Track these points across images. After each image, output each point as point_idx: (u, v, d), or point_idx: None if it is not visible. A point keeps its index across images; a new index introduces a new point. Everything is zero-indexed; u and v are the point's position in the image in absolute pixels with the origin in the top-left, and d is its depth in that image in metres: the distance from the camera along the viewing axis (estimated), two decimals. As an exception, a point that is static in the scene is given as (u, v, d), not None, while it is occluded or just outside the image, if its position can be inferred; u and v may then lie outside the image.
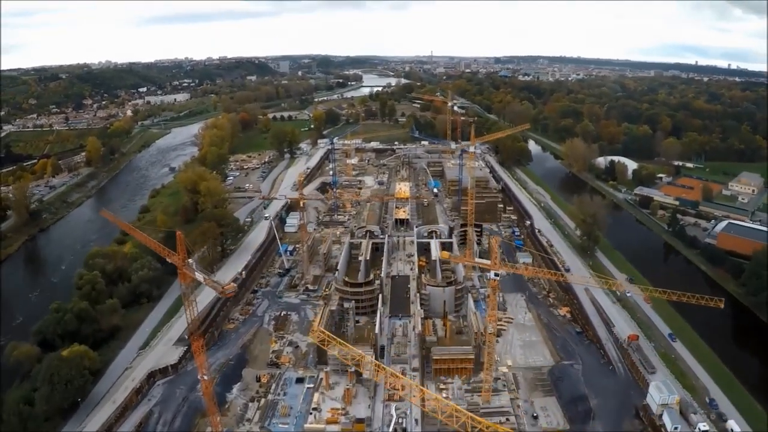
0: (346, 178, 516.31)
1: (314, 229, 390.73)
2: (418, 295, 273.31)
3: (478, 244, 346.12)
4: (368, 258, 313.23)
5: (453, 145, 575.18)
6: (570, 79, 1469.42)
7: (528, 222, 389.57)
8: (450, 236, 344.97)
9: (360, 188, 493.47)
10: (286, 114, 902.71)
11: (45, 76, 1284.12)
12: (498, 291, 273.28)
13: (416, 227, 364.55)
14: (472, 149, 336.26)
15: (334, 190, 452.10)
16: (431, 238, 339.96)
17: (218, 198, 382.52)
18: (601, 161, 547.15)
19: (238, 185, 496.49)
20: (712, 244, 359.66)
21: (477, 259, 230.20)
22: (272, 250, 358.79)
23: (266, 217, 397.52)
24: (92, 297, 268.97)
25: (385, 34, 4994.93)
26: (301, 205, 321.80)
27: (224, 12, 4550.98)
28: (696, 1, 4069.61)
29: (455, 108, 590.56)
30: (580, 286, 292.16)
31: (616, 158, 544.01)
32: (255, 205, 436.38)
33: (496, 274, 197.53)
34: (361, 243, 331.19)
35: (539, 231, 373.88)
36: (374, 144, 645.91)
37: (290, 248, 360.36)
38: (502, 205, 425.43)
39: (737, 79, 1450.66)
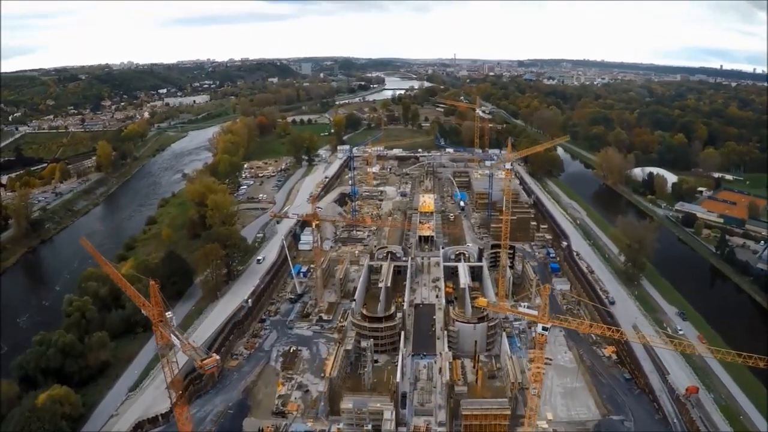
0: (367, 188, 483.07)
1: (330, 248, 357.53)
2: (445, 332, 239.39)
3: (511, 267, 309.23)
4: (389, 285, 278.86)
5: (478, 152, 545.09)
6: (596, 83, 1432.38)
7: (564, 243, 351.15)
8: (480, 259, 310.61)
9: (381, 200, 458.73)
10: (306, 117, 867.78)
11: (64, 76, 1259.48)
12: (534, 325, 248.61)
13: (442, 248, 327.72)
14: (508, 165, 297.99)
15: (354, 203, 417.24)
16: (459, 260, 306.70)
17: (226, 213, 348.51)
18: (638, 173, 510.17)
19: (251, 195, 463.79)
20: (765, 271, 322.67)
21: (522, 309, 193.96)
22: (284, 271, 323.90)
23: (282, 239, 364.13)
24: (81, 326, 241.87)
25: (407, 37, 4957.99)
26: (314, 225, 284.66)
27: (247, 14, 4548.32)
28: (719, 3, 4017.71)
29: (482, 114, 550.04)
30: (628, 319, 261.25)
31: (654, 170, 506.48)
32: (268, 218, 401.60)
33: (545, 328, 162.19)
34: (381, 266, 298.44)
35: (578, 254, 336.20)
36: (397, 151, 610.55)
37: (304, 269, 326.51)
38: (535, 223, 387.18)
39: (766, 84, 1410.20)
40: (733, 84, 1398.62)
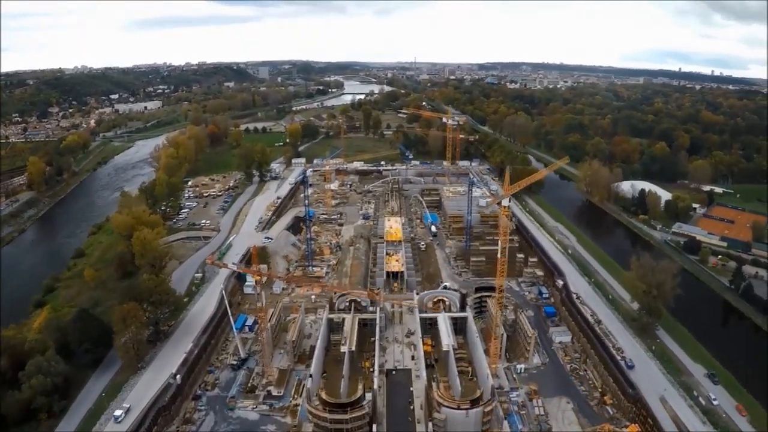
0: (325, 210, 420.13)
1: (283, 289, 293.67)
2: (429, 422, 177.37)
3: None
4: (353, 348, 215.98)
5: (445, 166, 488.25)
6: (559, 86, 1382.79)
7: (560, 281, 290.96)
8: (463, 307, 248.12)
9: (341, 224, 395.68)
10: (260, 125, 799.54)
11: (11, 82, 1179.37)
12: (536, 397, 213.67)
13: (416, 291, 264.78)
14: (506, 202, 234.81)
15: (309, 230, 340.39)
16: (438, 308, 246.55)
17: (154, 255, 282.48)
18: (627, 189, 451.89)
19: (192, 221, 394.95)
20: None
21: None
22: (226, 325, 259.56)
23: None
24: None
25: (367, 40, 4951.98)
26: (256, 281, 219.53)
27: (206, 16, 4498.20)
28: (677, 6, 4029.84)
29: (451, 123, 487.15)
30: (653, 388, 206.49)
31: (642, 184, 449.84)
32: (210, 249, 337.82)
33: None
34: (343, 320, 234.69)
35: (578, 296, 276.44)
36: (357, 164, 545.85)
37: (249, 322, 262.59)
38: (522, 255, 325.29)
39: (730, 87, 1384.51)
40: (697, 87, 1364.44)
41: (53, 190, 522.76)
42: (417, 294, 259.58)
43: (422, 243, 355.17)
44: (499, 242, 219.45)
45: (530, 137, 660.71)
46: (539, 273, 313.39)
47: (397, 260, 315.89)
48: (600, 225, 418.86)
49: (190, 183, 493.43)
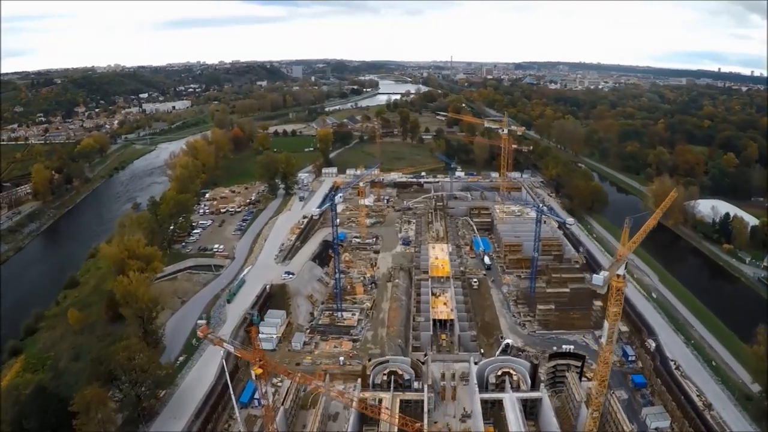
0: (358, 232, 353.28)
1: (304, 344, 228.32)
2: None
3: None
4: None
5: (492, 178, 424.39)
6: (600, 87, 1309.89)
7: (651, 342, 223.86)
8: (533, 383, 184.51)
9: (377, 251, 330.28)
10: (290, 128, 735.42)
11: (38, 81, 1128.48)
12: None
13: (474, 361, 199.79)
14: (621, 270, 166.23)
15: (337, 262, 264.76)
16: (501, 385, 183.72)
17: (141, 306, 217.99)
18: (705, 210, 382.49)
19: (204, 244, 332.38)
20: None
21: None
22: (228, 399, 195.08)
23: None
24: None
25: (400, 40, 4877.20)
26: (256, 375, 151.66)
27: (240, 17, 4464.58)
28: (712, 6, 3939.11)
29: (506, 132, 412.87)
30: None
31: (723, 206, 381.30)
32: (218, 286, 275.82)
33: None
34: (380, 400, 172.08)
35: (676, 365, 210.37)
36: (395, 176, 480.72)
37: (265, 387, 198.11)
38: (599, 303, 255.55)
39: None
40: (744, 88, 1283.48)
41: (61, 200, 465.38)
42: (475, 362, 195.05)
43: (474, 279, 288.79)
44: (604, 333, 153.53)
45: (582, 144, 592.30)
46: (623, 328, 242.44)
47: (445, 303, 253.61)
48: (678, 256, 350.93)
49: (207, 195, 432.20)
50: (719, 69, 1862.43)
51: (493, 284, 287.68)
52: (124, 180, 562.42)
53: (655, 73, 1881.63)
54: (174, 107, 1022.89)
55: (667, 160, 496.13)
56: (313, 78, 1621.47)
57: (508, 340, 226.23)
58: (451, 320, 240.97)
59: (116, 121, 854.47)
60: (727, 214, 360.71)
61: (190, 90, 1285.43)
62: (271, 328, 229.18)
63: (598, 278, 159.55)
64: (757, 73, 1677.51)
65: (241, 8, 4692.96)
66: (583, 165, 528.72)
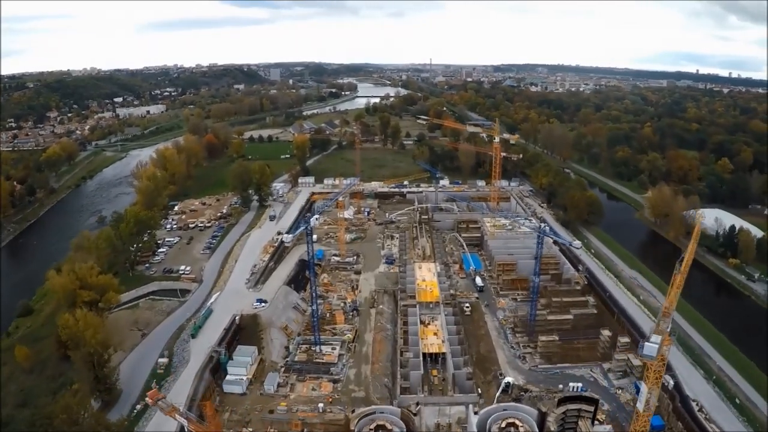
0: (337, 251, 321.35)
1: (278, 386, 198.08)
2: None
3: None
4: None
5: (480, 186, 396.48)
6: (582, 89, 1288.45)
7: (669, 379, 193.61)
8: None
9: (358, 271, 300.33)
10: (267, 133, 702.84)
11: (11, 85, 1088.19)
12: None
13: (473, 409, 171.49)
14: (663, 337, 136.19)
15: (314, 286, 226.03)
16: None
17: (89, 351, 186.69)
18: (707, 221, 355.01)
19: (169, 265, 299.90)
20: None
21: None
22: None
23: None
24: None
25: (379, 42, 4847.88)
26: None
27: (222, 18, 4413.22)
28: (693, 7, 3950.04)
29: (496, 140, 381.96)
30: None
31: (725, 217, 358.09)
32: (183, 315, 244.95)
33: None
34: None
35: (698, 405, 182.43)
36: (376, 185, 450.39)
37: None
38: (609, 333, 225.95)
39: (761, 90, 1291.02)
40: (725, 90, 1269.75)
41: (23, 213, 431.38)
42: (474, 411, 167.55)
43: (466, 304, 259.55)
44: (642, 398, 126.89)
45: (570, 150, 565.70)
46: (635, 362, 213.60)
47: (435, 334, 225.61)
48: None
49: (177, 208, 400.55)
50: (697, 71, 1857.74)
51: (487, 309, 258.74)
52: (91, 190, 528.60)
53: (634, 75, 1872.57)
54: (148, 112, 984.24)
55: (660, 166, 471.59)
56: (291, 81, 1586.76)
57: (508, 379, 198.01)
58: (443, 354, 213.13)
59: (87, 127, 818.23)
60: (733, 226, 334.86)
61: (166, 94, 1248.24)
62: (240, 369, 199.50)
63: (651, 347, 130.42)
64: (734, 75, 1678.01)
65: (221, 10, 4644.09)
66: (571, 171, 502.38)
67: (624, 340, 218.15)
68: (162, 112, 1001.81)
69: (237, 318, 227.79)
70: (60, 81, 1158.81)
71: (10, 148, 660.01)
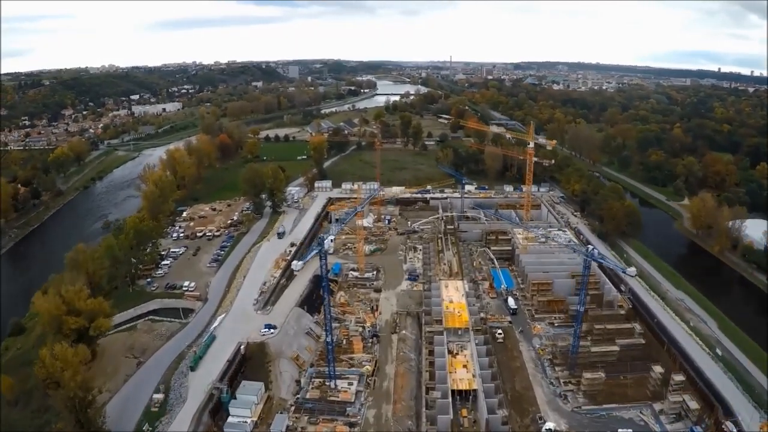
0: (355, 265, 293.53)
1: (287, 429, 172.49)
2: None
3: None
4: None
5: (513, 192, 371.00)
6: (604, 87, 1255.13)
7: (729, 425, 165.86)
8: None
9: (378, 289, 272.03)
10: (283, 132, 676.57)
11: (26, 82, 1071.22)
12: None
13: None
14: None
15: (328, 307, 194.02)
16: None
17: (70, 394, 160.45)
18: (755, 235, 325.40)
19: (172, 280, 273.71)
20: None
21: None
22: None
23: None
24: None
25: (396, 40, 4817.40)
26: None
27: (237, 17, 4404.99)
28: (709, 6, 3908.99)
29: (530, 145, 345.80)
30: None
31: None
32: (184, 340, 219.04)
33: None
34: None
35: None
36: (397, 190, 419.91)
37: None
38: (661, 370, 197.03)
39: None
40: (750, 89, 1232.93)
41: (26, 217, 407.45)
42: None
43: (498, 330, 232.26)
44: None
45: (599, 152, 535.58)
46: (692, 404, 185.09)
47: (465, 366, 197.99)
48: (730, 292, 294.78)
49: (185, 214, 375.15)
50: (719, 69, 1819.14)
51: (521, 336, 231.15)
52: (100, 192, 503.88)
53: (656, 73, 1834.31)
54: (164, 109, 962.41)
55: (697, 171, 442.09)
56: (309, 78, 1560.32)
57: (550, 425, 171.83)
58: (474, 390, 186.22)
59: (101, 125, 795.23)
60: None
61: (183, 91, 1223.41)
62: (244, 409, 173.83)
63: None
64: (756, 73, 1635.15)
65: (238, 9, 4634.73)
66: (600, 175, 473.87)
67: (678, 378, 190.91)
68: (178, 110, 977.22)
69: (242, 347, 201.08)
70: (76, 78, 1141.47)
71: (21, 147, 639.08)
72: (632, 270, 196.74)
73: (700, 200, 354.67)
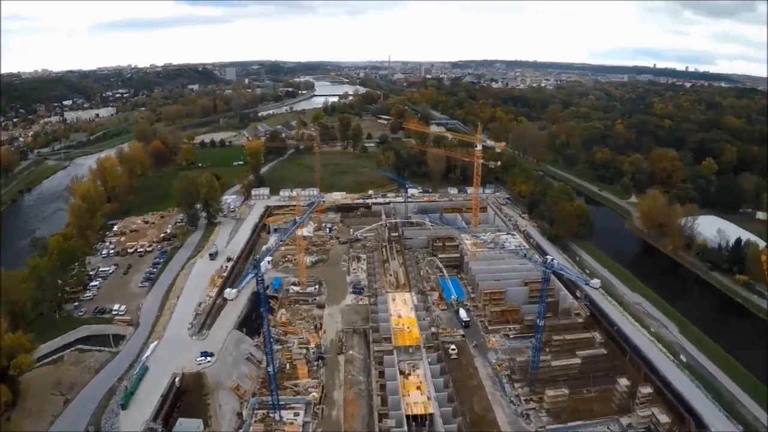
0: (296, 278, 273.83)
1: None
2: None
3: None
4: None
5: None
6: (543, 85, 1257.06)
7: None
8: None
9: (321, 305, 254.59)
10: (219, 137, 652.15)
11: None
12: None
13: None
14: None
15: (266, 327, 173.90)
16: None
17: None
18: (709, 233, 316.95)
19: (101, 304, 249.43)
20: None
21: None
22: None
23: None
24: None
25: (336, 40, 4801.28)
26: None
27: (178, 17, 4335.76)
28: (649, 4, 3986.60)
29: (478, 146, 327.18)
30: None
31: (729, 227, 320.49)
32: (115, 372, 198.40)
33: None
34: None
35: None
36: (337, 195, 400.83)
37: None
38: (627, 382, 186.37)
39: (723, 84, 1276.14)
40: (687, 84, 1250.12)
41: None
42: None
43: (452, 346, 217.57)
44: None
45: (544, 151, 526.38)
46: (662, 417, 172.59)
47: (419, 388, 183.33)
48: (687, 292, 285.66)
49: (116, 228, 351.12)
50: (655, 65, 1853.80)
51: (476, 350, 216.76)
52: (29, 205, 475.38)
53: (593, 70, 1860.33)
54: (97, 115, 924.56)
55: (644, 168, 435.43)
56: (246, 80, 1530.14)
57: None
58: (431, 415, 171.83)
59: (31, 133, 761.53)
60: (739, 239, 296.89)
61: (118, 95, 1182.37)
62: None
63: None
64: (692, 69, 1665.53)
65: (178, 9, 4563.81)
66: (545, 174, 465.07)
67: (645, 390, 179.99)
68: (111, 115, 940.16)
69: (177, 379, 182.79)
70: (8, 84, 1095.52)
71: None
72: (596, 282, 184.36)
73: (651, 198, 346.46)
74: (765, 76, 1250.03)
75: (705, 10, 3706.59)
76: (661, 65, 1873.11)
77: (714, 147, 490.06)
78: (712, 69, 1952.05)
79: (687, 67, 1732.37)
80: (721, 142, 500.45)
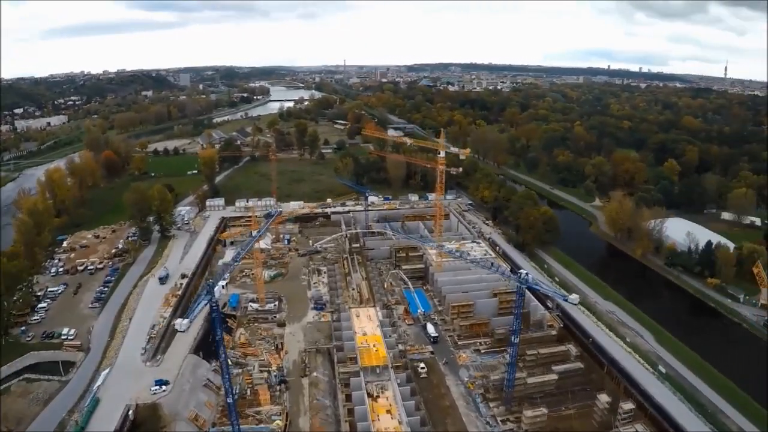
0: (254, 295, 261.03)
1: None
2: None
3: None
4: None
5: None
6: (500, 87, 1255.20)
7: None
8: None
9: (282, 323, 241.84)
10: (173, 145, 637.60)
11: None
12: None
13: None
14: None
15: (223, 353, 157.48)
16: None
17: None
18: (677, 236, 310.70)
19: (49, 328, 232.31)
20: None
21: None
22: None
23: None
24: None
25: (291, 44, 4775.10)
26: None
27: (132, 23, 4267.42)
28: (601, 5, 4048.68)
29: (441, 155, 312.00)
30: None
31: (695, 229, 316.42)
32: (64, 403, 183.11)
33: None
34: None
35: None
36: (296, 205, 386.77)
37: None
38: (608, 399, 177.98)
39: (677, 84, 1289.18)
40: (642, 85, 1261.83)
41: None
42: None
43: (421, 364, 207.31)
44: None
45: (505, 154, 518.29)
46: None
47: (389, 412, 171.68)
48: (659, 298, 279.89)
49: (65, 244, 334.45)
50: (609, 66, 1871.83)
51: (446, 368, 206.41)
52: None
53: (548, 72, 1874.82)
54: (49, 123, 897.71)
55: (607, 170, 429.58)
56: (201, 86, 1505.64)
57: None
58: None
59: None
60: (709, 242, 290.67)
61: (70, 103, 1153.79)
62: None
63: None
64: (644, 69, 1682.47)
65: (131, 14, 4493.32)
66: (507, 178, 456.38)
67: (627, 406, 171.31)
68: (63, 123, 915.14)
69: (131, 411, 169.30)
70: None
71: None
72: (574, 297, 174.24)
73: (618, 202, 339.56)
74: (717, 75, 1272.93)
75: (657, 12, 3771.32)
76: (614, 66, 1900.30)
77: (675, 148, 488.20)
78: (665, 69, 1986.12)
79: (640, 68, 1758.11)
80: (682, 142, 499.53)
